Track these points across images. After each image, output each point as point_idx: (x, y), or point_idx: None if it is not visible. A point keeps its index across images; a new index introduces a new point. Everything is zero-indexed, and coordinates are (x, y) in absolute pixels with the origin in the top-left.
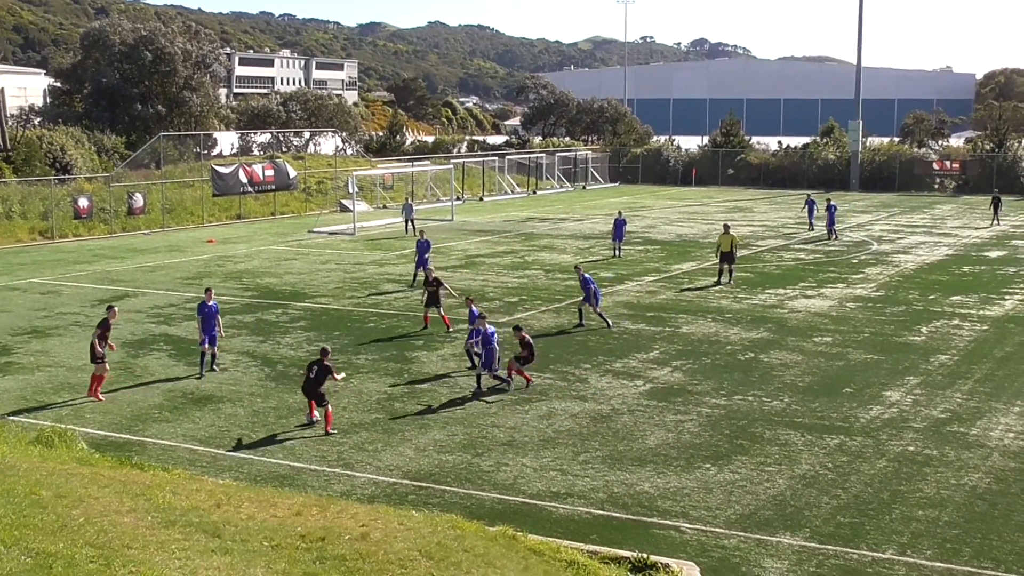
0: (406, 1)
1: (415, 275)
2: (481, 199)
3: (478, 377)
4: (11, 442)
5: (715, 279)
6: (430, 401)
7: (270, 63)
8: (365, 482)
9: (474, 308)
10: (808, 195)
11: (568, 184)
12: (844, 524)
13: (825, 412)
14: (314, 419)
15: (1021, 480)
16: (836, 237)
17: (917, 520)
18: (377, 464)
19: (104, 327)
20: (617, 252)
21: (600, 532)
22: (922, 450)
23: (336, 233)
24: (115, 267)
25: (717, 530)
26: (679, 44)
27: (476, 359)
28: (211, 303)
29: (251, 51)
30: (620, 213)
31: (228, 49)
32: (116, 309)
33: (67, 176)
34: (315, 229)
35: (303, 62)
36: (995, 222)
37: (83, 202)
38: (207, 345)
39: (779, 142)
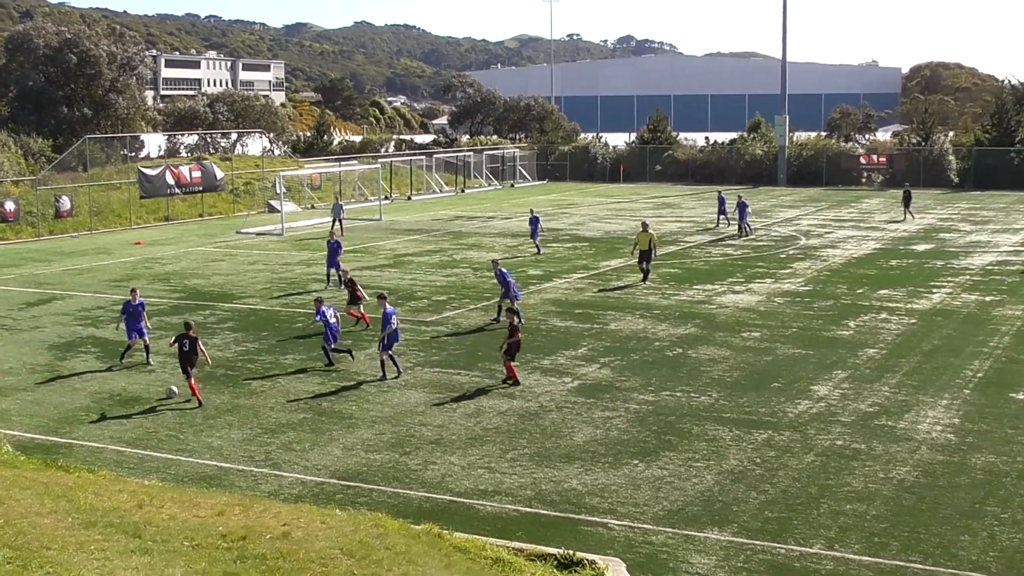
0: (332, 2)
1: (328, 276)
2: (409, 198)
3: (382, 363)
4: None
5: (640, 278)
6: (358, 400)
7: (196, 65)
8: (292, 482)
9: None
10: (719, 192)
11: (496, 182)
12: (772, 519)
13: (753, 407)
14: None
15: (948, 473)
16: (749, 233)
17: (845, 514)
18: (304, 464)
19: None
20: (538, 250)
21: (527, 529)
22: (850, 444)
23: (264, 234)
24: (42, 270)
25: (645, 526)
26: (606, 41)
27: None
28: (136, 302)
29: (177, 53)
30: (532, 211)
31: (154, 51)
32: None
33: None
34: (243, 230)
35: (230, 63)
36: (907, 216)
37: (9, 205)
38: (135, 338)
39: (706, 138)
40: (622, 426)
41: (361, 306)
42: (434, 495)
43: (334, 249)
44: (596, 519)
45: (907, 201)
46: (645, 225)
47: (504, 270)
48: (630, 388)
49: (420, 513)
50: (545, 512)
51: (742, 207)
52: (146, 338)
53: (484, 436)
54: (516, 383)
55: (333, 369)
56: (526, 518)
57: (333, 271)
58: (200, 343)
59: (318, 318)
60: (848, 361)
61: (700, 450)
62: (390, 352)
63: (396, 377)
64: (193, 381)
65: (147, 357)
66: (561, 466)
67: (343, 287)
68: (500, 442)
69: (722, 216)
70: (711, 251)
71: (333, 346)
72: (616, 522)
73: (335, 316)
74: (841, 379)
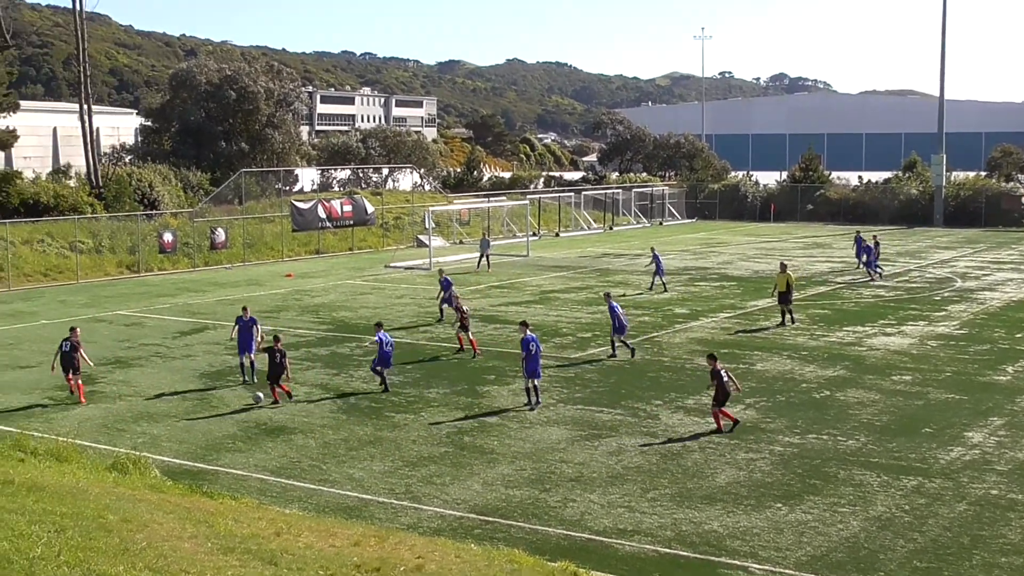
0: (485, 39)
1: (441, 311)
2: (557, 234)
3: (527, 391)
4: (88, 468)
5: (779, 320)
6: (499, 435)
7: (351, 101)
8: (431, 515)
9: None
10: (857, 232)
11: (645, 220)
12: (920, 569)
13: (902, 452)
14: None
15: None
16: (873, 277)
17: (999, 567)
18: (444, 497)
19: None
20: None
21: (666, 570)
22: (1006, 494)
23: (412, 268)
24: (196, 300)
25: (786, 571)
26: (758, 79)
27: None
28: (247, 318)
29: (332, 89)
30: (653, 249)
31: (310, 87)
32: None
33: (154, 212)
34: (391, 264)
35: (383, 99)
36: None
37: (168, 237)
38: (244, 354)
39: (859, 177)
40: (766, 468)
41: (470, 333)
42: (572, 533)
43: (446, 285)
44: (736, 562)
45: None
46: (784, 266)
47: (613, 303)
48: (775, 430)
49: (557, 550)
50: (684, 553)
51: (868, 250)
52: (252, 354)
53: (625, 475)
54: (719, 430)
55: (478, 404)
56: (665, 559)
57: (446, 306)
58: (287, 359)
59: (376, 339)
60: (1005, 408)
61: (846, 495)
62: (535, 381)
63: (532, 407)
64: (278, 389)
65: (252, 374)
66: (702, 507)
67: (455, 322)
68: (641, 481)
69: (860, 259)
70: (862, 292)
71: (379, 369)
72: (757, 566)
73: (390, 344)
74: (997, 426)
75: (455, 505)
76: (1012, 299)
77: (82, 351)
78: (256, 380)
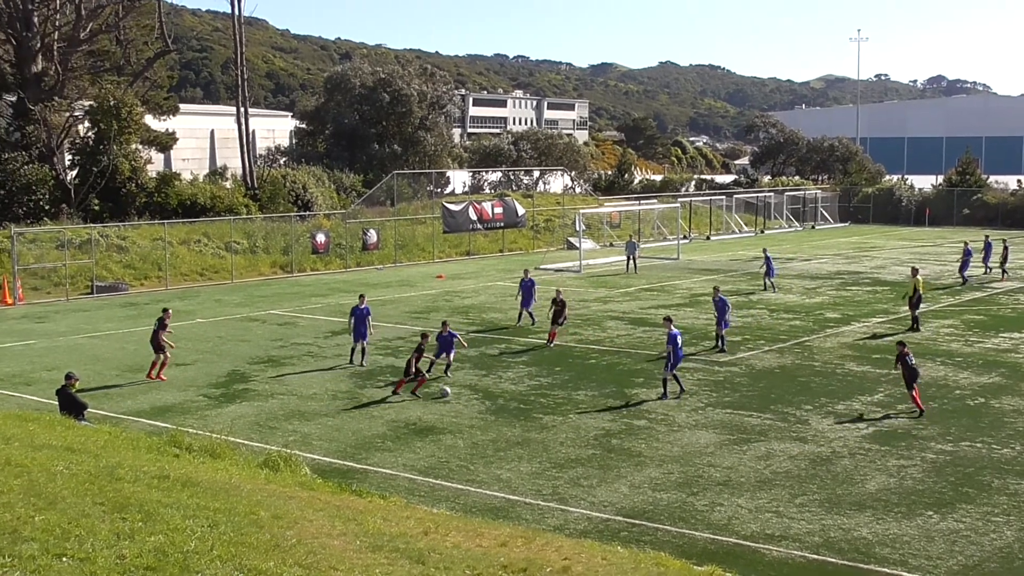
0: (637, 42)
1: (520, 314)
2: (708, 238)
3: (664, 381)
4: (240, 464)
5: (911, 326)
6: (647, 438)
7: (503, 103)
8: (578, 517)
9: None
10: (987, 236)
11: (797, 223)
12: None
13: None
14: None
15: None
16: (1005, 276)
17: None
18: (591, 500)
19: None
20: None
21: None
22: None
23: (562, 270)
24: (348, 300)
25: None
26: (915, 81)
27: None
28: (363, 307)
29: (485, 92)
30: (765, 251)
31: (462, 90)
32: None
33: (307, 213)
34: (542, 266)
35: (535, 102)
36: None
37: (320, 238)
38: (358, 340)
39: (1019, 181)
40: (917, 475)
41: (558, 326)
42: (719, 537)
43: (528, 287)
44: (886, 570)
45: None
46: (915, 271)
47: (721, 297)
48: (927, 437)
49: (704, 555)
50: (833, 560)
51: (988, 247)
52: (366, 342)
53: (773, 480)
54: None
55: (626, 407)
56: (812, 565)
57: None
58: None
59: (446, 336)
60: None
61: (1000, 504)
62: (674, 372)
63: (677, 396)
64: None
65: (363, 359)
66: (851, 514)
67: (551, 311)
68: (789, 486)
69: (987, 262)
70: (1020, 298)
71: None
72: (907, 574)
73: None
74: None
75: (602, 507)
76: None
77: (163, 335)
78: (366, 365)
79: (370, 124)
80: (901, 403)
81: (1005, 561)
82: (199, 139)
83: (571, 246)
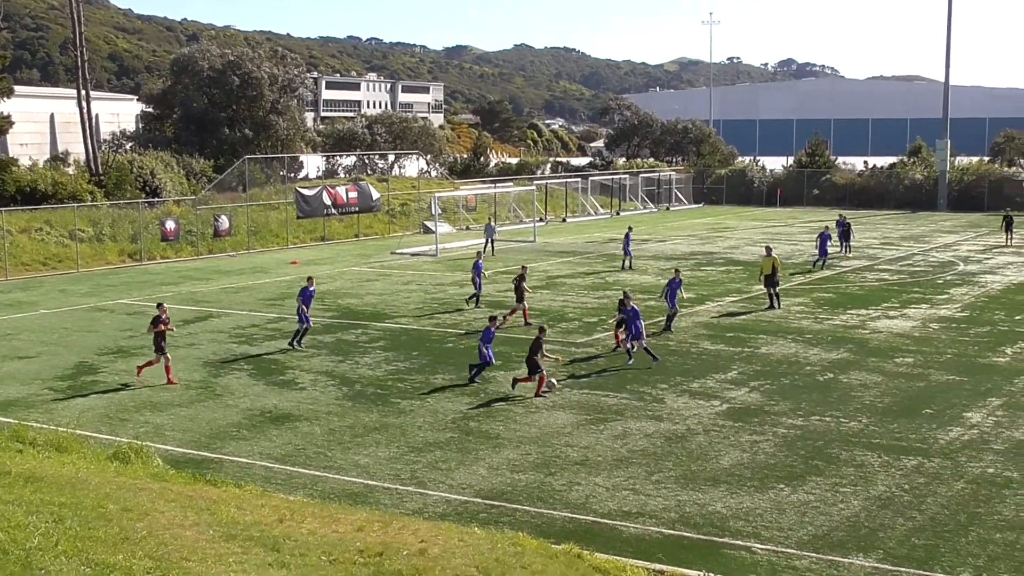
0: (492, 24)
1: (477, 294)
2: (564, 220)
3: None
4: (88, 458)
5: (767, 304)
6: (505, 420)
7: (356, 87)
8: (437, 500)
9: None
10: (841, 216)
11: (652, 205)
12: (919, 546)
13: (903, 433)
14: None
15: None
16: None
17: (994, 543)
18: (450, 483)
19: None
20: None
21: (670, 552)
22: (1002, 472)
23: (418, 254)
24: (200, 288)
25: (789, 551)
26: (766, 65)
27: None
28: (312, 288)
29: (338, 75)
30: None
31: (315, 73)
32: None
33: (156, 199)
34: (398, 250)
35: (389, 85)
36: (1008, 240)
37: (170, 225)
38: (310, 322)
39: (865, 162)
40: (769, 450)
41: (524, 305)
42: (577, 516)
43: (479, 268)
44: (740, 543)
45: (1008, 226)
46: (769, 250)
47: (680, 279)
48: (779, 412)
49: (563, 534)
50: (688, 535)
51: (840, 226)
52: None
53: (630, 458)
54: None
55: (483, 389)
56: (669, 540)
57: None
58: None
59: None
60: (1003, 388)
61: (848, 475)
62: (643, 343)
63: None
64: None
65: (300, 340)
66: (706, 489)
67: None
68: (646, 464)
69: (846, 243)
70: (867, 276)
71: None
72: (760, 546)
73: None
74: (996, 406)
75: (460, 490)
76: (1012, 282)
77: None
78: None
79: (220, 108)
80: (755, 380)
81: (852, 530)
82: (38, 123)
83: (427, 230)
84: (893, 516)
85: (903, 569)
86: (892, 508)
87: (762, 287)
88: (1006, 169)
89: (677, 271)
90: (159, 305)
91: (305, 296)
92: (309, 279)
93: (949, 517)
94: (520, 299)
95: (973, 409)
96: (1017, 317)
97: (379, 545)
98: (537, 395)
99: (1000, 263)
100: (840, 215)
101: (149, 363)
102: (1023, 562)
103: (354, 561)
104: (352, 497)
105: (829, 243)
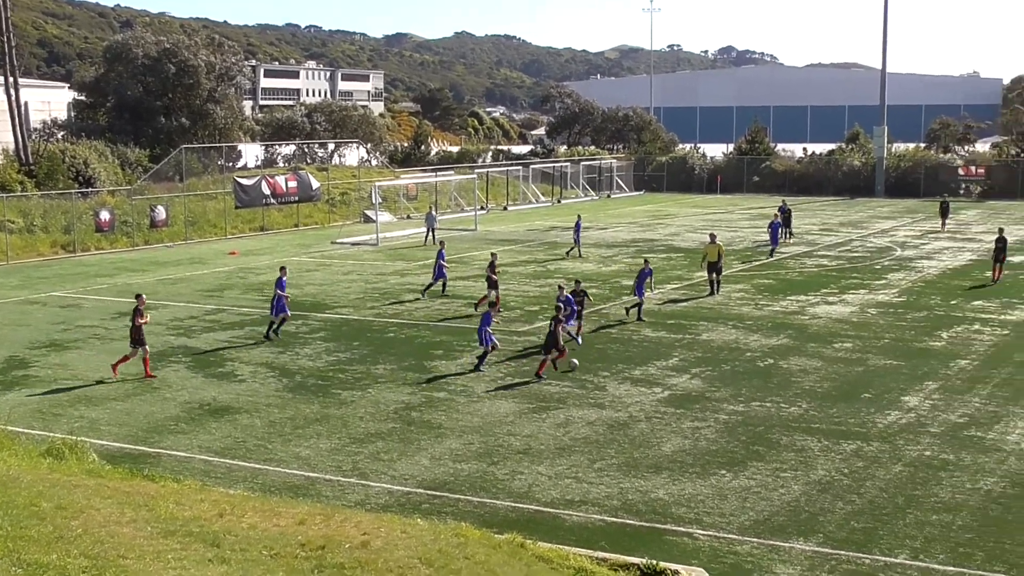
0: (432, 12)
1: (444, 284)
2: (505, 208)
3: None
4: (20, 455)
5: (708, 291)
6: (447, 410)
7: (295, 75)
8: (379, 491)
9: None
10: (783, 203)
11: (593, 193)
12: (858, 529)
13: (843, 418)
14: None
15: None
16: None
17: (931, 525)
18: (392, 473)
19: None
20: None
21: (613, 539)
22: (938, 455)
23: (359, 244)
24: (137, 280)
25: (730, 536)
26: (706, 52)
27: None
28: (284, 278)
29: (276, 63)
30: (579, 216)
31: (253, 61)
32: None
33: (90, 190)
34: (338, 240)
35: (329, 73)
36: (943, 227)
37: (104, 215)
38: (281, 313)
39: (804, 149)
40: (711, 436)
41: (494, 293)
42: (520, 505)
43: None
44: (682, 529)
45: (944, 212)
46: (713, 237)
47: (651, 268)
48: (720, 398)
49: (506, 523)
50: (631, 522)
51: (782, 213)
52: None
53: (572, 446)
54: None
55: (426, 380)
56: (612, 528)
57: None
58: None
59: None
60: (940, 372)
61: (788, 460)
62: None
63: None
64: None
65: (273, 330)
66: (648, 476)
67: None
68: (588, 452)
69: (786, 229)
70: (806, 262)
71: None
72: (702, 532)
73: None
74: (932, 390)
75: (403, 481)
76: (948, 267)
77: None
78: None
79: (155, 96)
80: (696, 367)
81: (793, 514)
82: None
83: (368, 219)
84: (833, 500)
85: (843, 552)
86: (832, 492)
87: (704, 274)
88: (941, 156)
89: (647, 261)
90: (138, 296)
91: (281, 286)
92: (282, 268)
93: (887, 500)
94: (491, 287)
95: (910, 393)
96: (953, 302)
97: (321, 538)
98: (538, 374)
99: (936, 248)
100: (783, 202)
101: (125, 358)
102: (959, 543)
103: (296, 555)
104: (293, 490)
105: (780, 231)
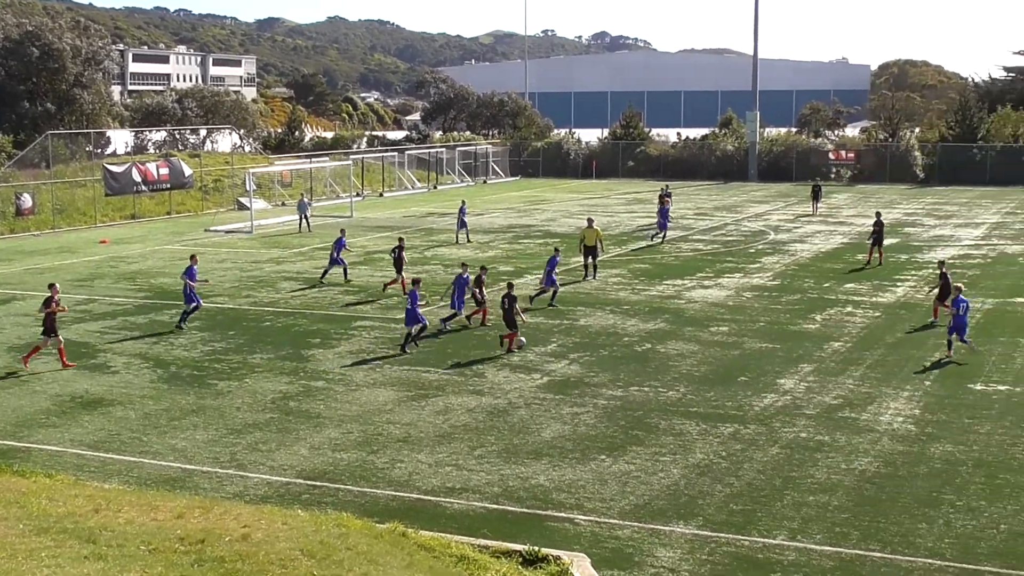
0: None
1: (344, 267)
2: (381, 195)
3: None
4: None
5: (584, 275)
6: (326, 399)
7: (165, 60)
8: (258, 482)
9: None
10: (666, 186)
11: (469, 178)
12: (737, 512)
13: (720, 401)
14: None
15: (908, 463)
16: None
17: (808, 505)
18: (271, 464)
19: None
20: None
21: (494, 526)
22: (814, 436)
23: (233, 231)
24: (1, 270)
25: (611, 521)
26: (580, 37)
27: None
28: (195, 267)
29: (145, 47)
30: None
31: (121, 45)
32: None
33: None
34: (212, 228)
35: (200, 58)
36: (815, 210)
37: None
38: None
39: (679, 134)
40: (590, 422)
41: (402, 276)
42: (401, 493)
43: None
44: (563, 515)
45: (816, 196)
46: (590, 221)
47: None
48: (599, 384)
49: (386, 512)
50: (512, 508)
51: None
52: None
53: (452, 433)
54: None
55: (304, 369)
56: (493, 515)
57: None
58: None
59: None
60: (814, 354)
61: (667, 444)
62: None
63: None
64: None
65: (185, 320)
66: (529, 462)
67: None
68: (468, 439)
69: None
70: (682, 247)
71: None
72: (583, 517)
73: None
74: (807, 372)
75: (282, 471)
76: (821, 250)
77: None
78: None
79: (18, 81)
80: (575, 352)
81: (672, 498)
82: None
83: (242, 206)
84: (712, 483)
85: (722, 535)
86: (710, 475)
87: (580, 258)
88: (813, 140)
89: (557, 250)
90: (51, 285)
91: (190, 274)
92: (192, 257)
93: (765, 482)
94: (399, 270)
95: (786, 375)
96: (826, 284)
97: (200, 532)
98: (509, 350)
99: (808, 232)
100: (665, 186)
101: (36, 349)
102: (835, 523)
103: (175, 549)
104: (170, 483)
105: (668, 216)
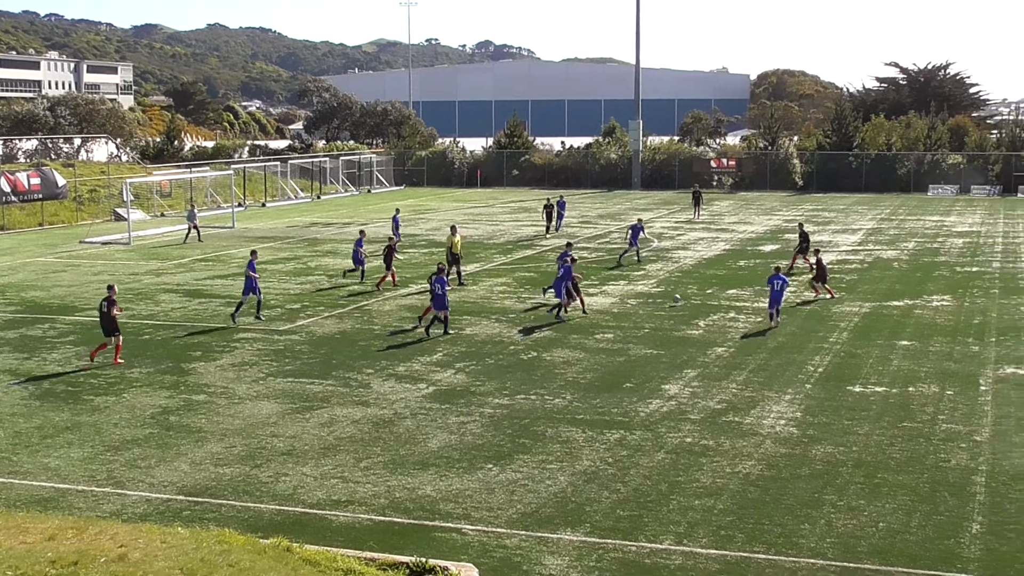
0: (183, 2)
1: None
2: (264, 205)
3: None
4: None
5: (458, 281)
6: (208, 413)
7: (36, 65)
8: (137, 500)
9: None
10: (561, 197)
11: (353, 188)
12: (624, 517)
13: (606, 408)
14: None
15: (791, 465)
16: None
17: (693, 509)
18: (150, 481)
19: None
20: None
21: (381, 538)
22: (699, 441)
23: (110, 243)
24: None
25: (499, 530)
26: (464, 46)
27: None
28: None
29: (14, 52)
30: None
31: None
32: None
33: None
34: (87, 239)
35: (73, 65)
36: (697, 215)
37: None
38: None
39: (563, 143)
40: (477, 431)
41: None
42: (286, 507)
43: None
44: (450, 525)
45: (697, 201)
46: (454, 228)
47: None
48: (485, 392)
49: (271, 527)
50: (399, 520)
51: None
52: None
53: (338, 445)
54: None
55: (184, 382)
56: (380, 527)
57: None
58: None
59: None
60: (698, 360)
61: (554, 452)
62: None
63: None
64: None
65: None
66: (415, 473)
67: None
68: (354, 451)
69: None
70: None
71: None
72: (470, 527)
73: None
74: (691, 377)
75: (162, 488)
76: (703, 257)
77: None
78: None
79: None
80: (460, 361)
81: (560, 505)
82: None
83: (119, 217)
84: (599, 490)
85: (609, 541)
86: (597, 482)
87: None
88: (695, 149)
89: (574, 260)
90: (110, 288)
91: (251, 267)
92: (253, 252)
93: (651, 487)
94: (388, 266)
95: (671, 381)
96: (708, 291)
97: (74, 554)
98: (558, 316)
99: (691, 239)
100: (560, 196)
101: (102, 346)
102: (721, 526)
103: (46, 573)
104: (42, 503)
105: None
